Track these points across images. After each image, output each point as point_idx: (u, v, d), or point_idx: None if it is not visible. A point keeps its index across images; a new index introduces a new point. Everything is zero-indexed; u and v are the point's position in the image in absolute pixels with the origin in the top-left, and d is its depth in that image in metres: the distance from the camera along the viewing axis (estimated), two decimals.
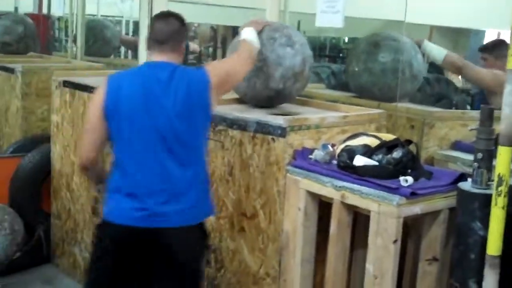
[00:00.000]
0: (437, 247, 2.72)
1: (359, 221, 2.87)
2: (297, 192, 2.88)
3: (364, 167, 2.71)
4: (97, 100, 2.71)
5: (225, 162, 3.19)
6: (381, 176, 2.65)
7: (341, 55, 10.85)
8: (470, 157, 2.80)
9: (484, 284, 2.37)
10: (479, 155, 2.45)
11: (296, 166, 2.90)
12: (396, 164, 2.69)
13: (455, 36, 10.02)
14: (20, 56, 6.07)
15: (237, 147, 3.13)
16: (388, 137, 2.91)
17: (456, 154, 3.53)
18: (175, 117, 2.62)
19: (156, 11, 3.64)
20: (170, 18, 2.76)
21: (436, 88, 6.59)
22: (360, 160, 2.73)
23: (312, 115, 3.23)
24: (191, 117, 2.66)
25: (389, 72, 3.96)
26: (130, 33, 9.51)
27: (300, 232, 2.88)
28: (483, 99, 4.22)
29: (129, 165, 2.67)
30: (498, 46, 4.35)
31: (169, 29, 2.73)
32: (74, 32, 6.55)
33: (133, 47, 8.18)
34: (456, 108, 5.86)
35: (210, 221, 3.09)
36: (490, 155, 2.44)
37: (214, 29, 9.70)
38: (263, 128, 3.00)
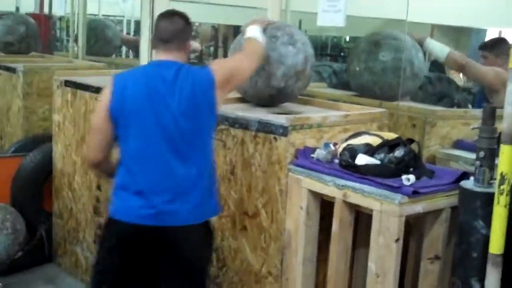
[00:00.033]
0: (439, 246, 2.71)
1: (361, 220, 2.86)
2: (299, 191, 2.88)
3: (366, 166, 2.71)
4: (102, 101, 2.72)
5: (227, 161, 3.19)
6: (383, 175, 2.65)
7: (342, 54, 10.86)
8: (472, 155, 2.81)
9: (486, 282, 2.37)
10: (481, 154, 2.44)
11: (298, 165, 2.90)
12: (398, 163, 2.69)
13: (457, 35, 10.04)
14: (22, 56, 6.08)
15: (239, 146, 3.13)
16: (390, 136, 2.90)
17: (458, 153, 3.53)
18: (180, 116, 2.63)
19: (157, 10, 3.64)
20: (175, 17, 2.77)
21: (438, 87, 6.59)
22: (362, 159, 2.73)
23: (314, 114, 3.23)
24: (196, 116, 2.66)
25: (390, 71, 3.96)
26: (132, 33, 9.52)
27: (302, 231, 2.88)
28: (483, 97, 4.22)
29: (135, 163, 2.69)
30: (498, 44, 4.35)
31: (174, 27, 2.74)
32: (75, 31, 6.56)
33: (134, 47, 8.19)
34: (458, 107, 5.87)
35: (212, 220, 3.09)
36: (492, 154, 2.44)
37: (215, 28, 9.71)
38: (265, 127, 3.00)
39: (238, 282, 3.21)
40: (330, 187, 2.75)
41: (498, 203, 2.29)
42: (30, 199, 4.53)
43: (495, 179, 2.34)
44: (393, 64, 3.95)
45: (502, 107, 2.34)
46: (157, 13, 3.59)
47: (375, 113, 3.39)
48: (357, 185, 2.65)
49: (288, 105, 3.56)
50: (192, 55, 6.62)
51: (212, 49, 9.72)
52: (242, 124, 3.11)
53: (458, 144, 3.67)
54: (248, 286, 3.16)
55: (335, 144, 2.98)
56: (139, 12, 4.25)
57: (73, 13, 6.73)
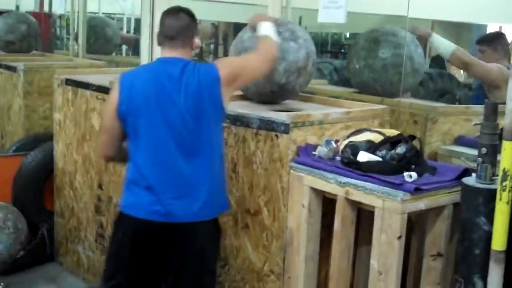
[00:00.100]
0: (441, 243, 2.71)
1: (363, 217, 2.86)
2: (301, 189, 2.88)
3: (368, 163, 2.70)
4: (111, 101, 2.77)
5: (228, 159, 3.18)
6: (385, 172, 2.65)
7: (342, 50, 10.84)
8: (474, 152, 2.79)
9: (489, 279, 2.36)
10: (483, 150, 2.44)
11: (299, 163, 2.90)
12: (400, 159, 2.68)
13: (457, 31, 10.01)
14: (23, 55, 6.07)
15: (240, 144, 3.13)
16: (392, 132, 2.90)
17: (460, 149, 3.53)
18: (187, 112, 2.65)
19: (158, 8, 3.63)
20: (180, 13, 2.78)
21: (439, 83, 6.58)
22: (363, 156, 2.73)
23: (315, 111, 3.23)
24: (203, 113, 2.68)
25: (390, 68, 3.96)
26: (132, 31, 9.52)
27: (304, 228, 2.88)
28: (481, 93, 4.21)
29: (144, 160, 2.71)
30: (496, 38, 4.34)
31: (179, 24, 2.75)
32: (75, 30, 6.55)
33: (132, 44, 8.20)
34: (459, 103, 5.85)
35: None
36: (494, 150, 2.43)
37: (215, 25, 9.69)
38: (266, 125, 2.99)
39: (240, 280, 3.21)
40: (332, 184, 2.75)
41: (501, 199, 2.28)
42: (32, 198, 4.53)
43: (497, 175, 2.33)
44: (393, 61, 3.94)
45: (502, 103, 2.33)
46: (157, 10, 3.60)
47: (376, 110, 3.38)
48: (359, 182, 2.65)
49: (289, 102, 3.56)
50: (192, 52, 6.59)
51: (212, 46, 9.71)
52: (243, 121, 3.10)
53: (460, 141, 3.66)
54: (250, 285, 3.16)
55: (336, 141, 2.97)
56: (139, 10, 4.24)
57: (73, 11, 6.72)
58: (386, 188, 2.54)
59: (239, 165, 3.14)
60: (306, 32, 3.55)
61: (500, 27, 9.13)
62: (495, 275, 2.34)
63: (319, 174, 2.81)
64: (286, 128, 2.91)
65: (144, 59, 3.84)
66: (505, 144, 2.27)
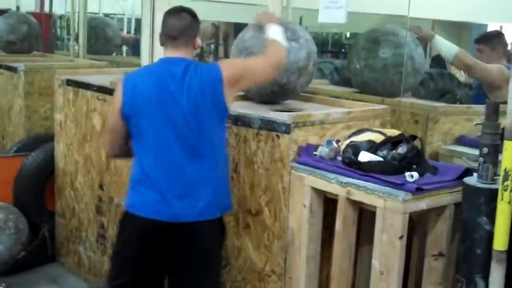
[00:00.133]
0: (443, 243, 2.71)
1: (365, 217, 2.86)
2: (302, 189, 2.88)
3: (369, 163, 2.70)
4: (115, 101, 2.79)
5: (229, 159, 3.18)
6: (386, 171, 2.64)
7: (343, 50, 10.84)
8: (475, 151, 2.80)
9: (490, 279, 2.36)
10: (485, 150, 2.43)
11: (301, 163, 2.90)
12: (401, 159, 2.68)
13: (457, 30, 10.01)
14: (23, 55, 6.08)
15: (241, 144, 3.13)
16: (393, 132, 2.90)
17: (461, 149, 3.53)
18: (189, 112, 2.66)
19: (158, 8, 3.63)
20: (182, 13, 2.79)
21: (440, 83, 6.57)
22: (365, 156, 2.73)
23: (316, 111, 3.23)
24: (205, 112, 2.69)
25: (390, 68, 3.96)
26: (132, 31, 9.52)
27: (306, 229, 2.88)
28: (481, 93, 4.21)
29: (148, 160, 2.73)
30: (494, 37, 4.34)
31: (182, 24, 2.76)
32: (76, 30, 6.55)
33: (131, 45, 8.21)
34: (460, 103, 5.85)
35: None
36: (495, 150, 2.43)
37: (215, 26, 9.68)
38: (267, 125, 2.99)
39: (241, 280, 3.21)
40: (333, 184, 2.75)
41: (502, 199, 2.28)
42: (33, 198, 4.53)
43: (498, 175, 2.33)
44: (394, 61, 3.94)
45: (503, 103, 2.33)
46: (157, 11, 3.60)
47: (377, 109, 3.38)
48: (360, 182, 2.65)
49: (290, 102, 3.56)
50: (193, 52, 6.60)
51: (212, 46, 9.70)
52: (244, 121, 3.10)
53: (461, 140, 3.66)
54: (252, 285, 3.15)
55: (337, 141, 2.97)
56: (140, 10, 4.24)
57: (74, 11, 6.72)
58: (387, 188, 2.54)
59: (240, 165, 3.14)
60: (307, 32, 3.55)
61: (501, 27, 9.14)
62: (496, 275, 2.34)
63: (320, 174, 2.81)
64: (287, 128, 2.91)
65: (144, 59, 3.84)
66: (507, 144, 2.27)
